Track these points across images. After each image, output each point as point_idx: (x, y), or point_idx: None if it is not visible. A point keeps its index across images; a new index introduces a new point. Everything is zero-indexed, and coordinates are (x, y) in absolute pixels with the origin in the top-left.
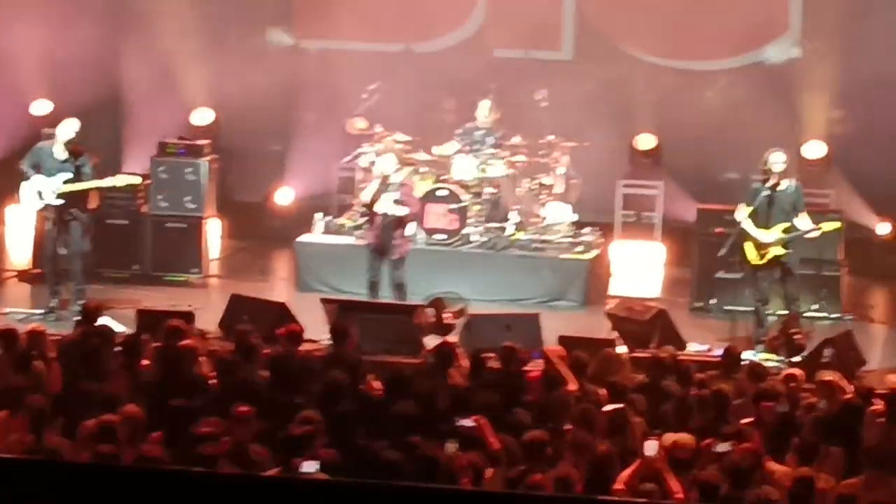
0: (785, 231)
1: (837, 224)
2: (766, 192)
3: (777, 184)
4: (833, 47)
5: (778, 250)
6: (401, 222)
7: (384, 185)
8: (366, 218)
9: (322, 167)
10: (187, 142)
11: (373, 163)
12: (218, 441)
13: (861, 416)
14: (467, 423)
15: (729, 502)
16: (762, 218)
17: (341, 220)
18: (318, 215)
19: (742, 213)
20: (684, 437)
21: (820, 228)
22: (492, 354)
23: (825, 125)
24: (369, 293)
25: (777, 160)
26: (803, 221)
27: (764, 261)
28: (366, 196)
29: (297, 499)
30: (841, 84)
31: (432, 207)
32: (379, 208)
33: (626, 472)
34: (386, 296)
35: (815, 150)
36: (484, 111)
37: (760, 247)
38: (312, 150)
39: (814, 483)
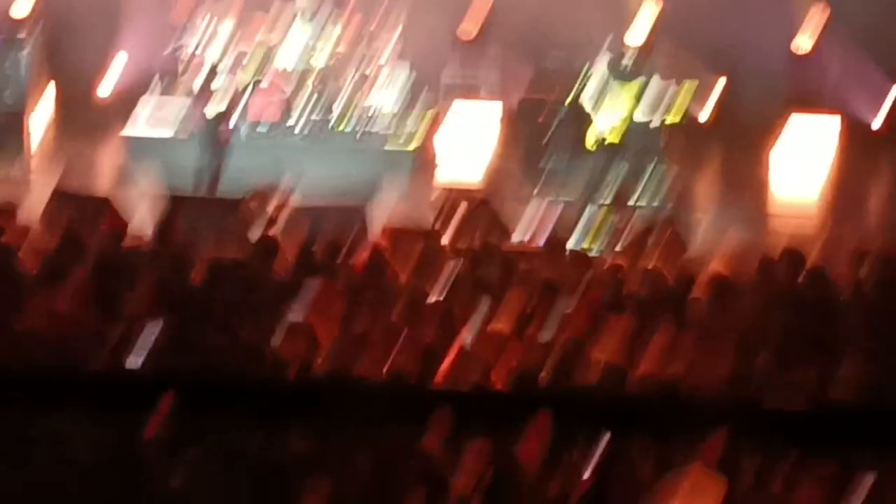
0: (627, 119)
1: (681, 114)
2: (616, 81)
3: (631, 74)
4: None
5: (614, 137)
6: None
7: (209, 70)
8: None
9: (148, 55)
10: (6, 34)
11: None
12: (42, 336)
13: (683, 303)
14: (298, 314)
15: (550, 390)
16: (608, 106)
17: (166, 112)
18: (144, 105)
19: (587, 98)
20: (502, 326)
21: (663, 121)
22: (315, 246)
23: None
24: (194, 185)
25: (631, 54)
26: (641, 110)
27: (597, 146)
28: (191, 83)
29: (124, 391)
30: None
31: (256, 98)
32: (208, 113)
33: (447, 363)
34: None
35: (641, 27)
36: None
37: (597, 133)
38: (139, 37)
39: (625, 371)
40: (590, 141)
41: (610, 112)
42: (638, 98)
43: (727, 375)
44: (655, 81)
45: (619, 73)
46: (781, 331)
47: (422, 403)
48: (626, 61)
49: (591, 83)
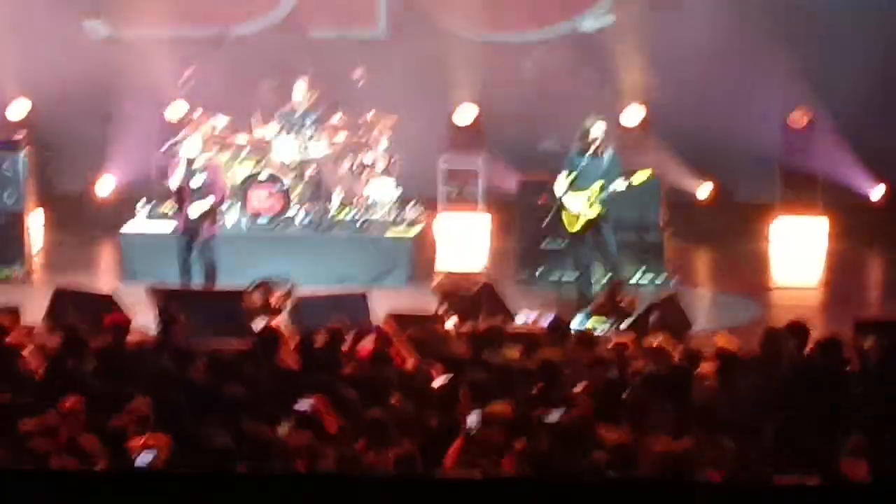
0: (600, 190)
1: (648, 172)
2: (585, 160)
3: (597, 151)
4: (646, 13)
5: (591, 213)
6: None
7: (190, 169)
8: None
9: (142, 155)
10: (2, 137)
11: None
12: (50, 435)
13: (689, 379)
14: (305, 404)
15: (560, 468)
16: (580, 185)
17: (164, 208)
18: (141, 203)
19: (560, 182)
20: (502, 407)
21: (630, 182)
22: (319, 335)
23: (641, 91)
24: (181, 277)
25: (597, 128)
26: (640, 175)
27: (579, 227)
28: (174, 183)
29: (134, 490)
30: (655, 50)
31: (255, 191)
32: (191, 213)
33: (454, 447)
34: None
35: (632, 116)
36: (300, 92)
37: (574, 214)
38: (132, 138)
39: (633, 448)
40: (568, 221)
41: (582, 192)
42: (613, 175)
43: (735, 452)
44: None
45: (589, 155)
46: (790, 405)
47: (431, 492)
48: (609, 141)
49: (575, 164)
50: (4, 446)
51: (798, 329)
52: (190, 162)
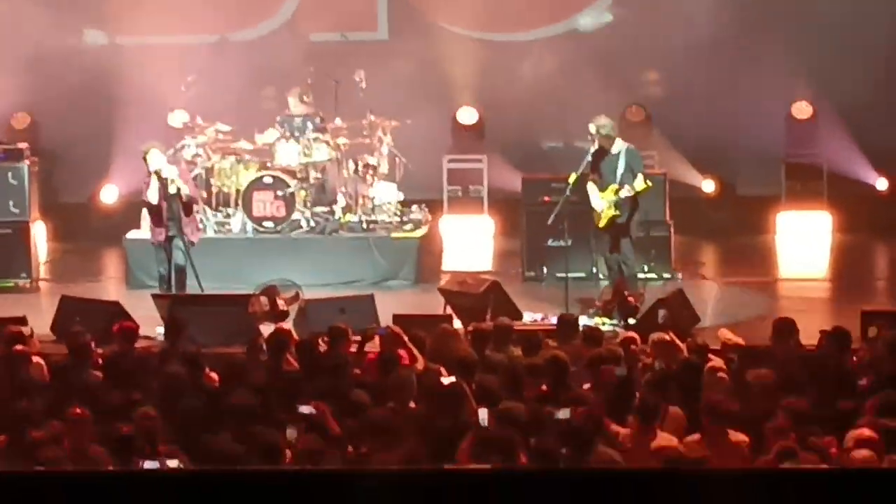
0: (615, 192)
1: (644, 183)
2: (589, 158)
3: (604, 149)
4: (645, 10)
5: (612, 211)
6: (188, 208)
7: (162, 181)
8: (150, 217)
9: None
10: (6, 146)
11: (196, 155)
12: (57, 444)
13: (699, 374)
14: (307, 409)
15: (571, 464)
16: (603, 183)
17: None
18: (145, 211)
19: (573, 179)
20: (512, 405)
21: (634, 188)
22: (327, 337)
23: (642, 88)
24: (161, 287)
25: (601, 124)
26: (639, 182)
27: (604, 222)
28: (153, 197)
29: (142, 491)
30: (655, 46)
31: (259, 195)
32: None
33: (465, 444)
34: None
35: (634, 113)
36: (294, 101)
37: (598, 211)
38: (135, 147)
39: (644, 444)
40: (596, 218)
41: (602, 191)
42: (636, 169)
43: (745, 445)
44: (650, 155)
45: (602, 156)
46: (799, 396)
47: (442, 487)
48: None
49: (586, 161)
50: (16, 454)
51: (788, 324)
52: (157, 174)
